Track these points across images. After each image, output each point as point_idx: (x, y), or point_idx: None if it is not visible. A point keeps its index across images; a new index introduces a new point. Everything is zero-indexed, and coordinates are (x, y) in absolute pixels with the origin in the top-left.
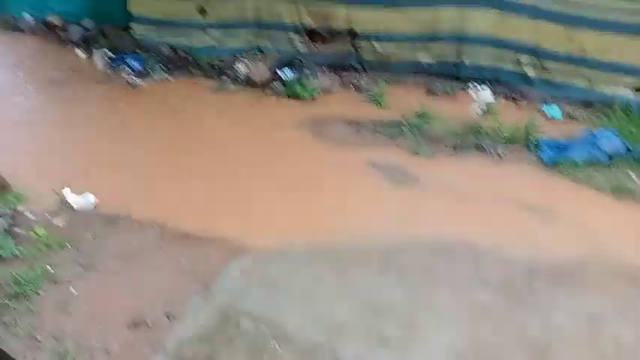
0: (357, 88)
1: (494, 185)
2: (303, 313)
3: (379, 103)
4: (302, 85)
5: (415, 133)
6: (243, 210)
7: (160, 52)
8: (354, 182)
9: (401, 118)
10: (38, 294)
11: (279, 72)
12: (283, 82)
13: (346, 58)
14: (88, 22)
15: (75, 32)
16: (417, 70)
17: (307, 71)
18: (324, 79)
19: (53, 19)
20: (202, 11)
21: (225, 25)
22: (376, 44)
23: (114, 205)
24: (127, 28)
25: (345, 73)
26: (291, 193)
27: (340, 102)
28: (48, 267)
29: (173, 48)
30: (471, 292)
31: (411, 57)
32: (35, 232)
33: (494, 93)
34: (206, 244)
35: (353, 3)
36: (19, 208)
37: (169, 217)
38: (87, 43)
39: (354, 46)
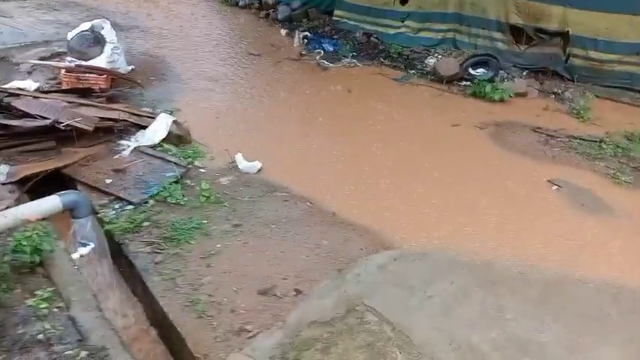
0: (559, 98)
1: None
2: (436, 328)
3: (581, 117)
4: (493, 85)
5: (619, 155)
6: (400, 207)
7: (354, 38)
8: (530, 199)
9: (604, 136)
10: (189, 243)
11: (470, 69)
12: (472, 80)
13: (552, 63)
14: (296, 3)
15: (282, 11)
16: (637, 85)
17: (503, 72)
18: (520, 83)
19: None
20: (404, 0)
21: (423, 16)
22: (592, 51)
23: (277, 176)
24: (329, 12)
25: (547, 80)
26: (455, 198)
27: (533, 109)
28: (204, 220)
29: (367, 34)
30: None
31: (632, 70)
32: (200, 186)
33: None
34: (352, 232)
35: (573, 3)
36: (196, 162)
37: (324, 198)
38: (291, 23)
39: (564, 50)
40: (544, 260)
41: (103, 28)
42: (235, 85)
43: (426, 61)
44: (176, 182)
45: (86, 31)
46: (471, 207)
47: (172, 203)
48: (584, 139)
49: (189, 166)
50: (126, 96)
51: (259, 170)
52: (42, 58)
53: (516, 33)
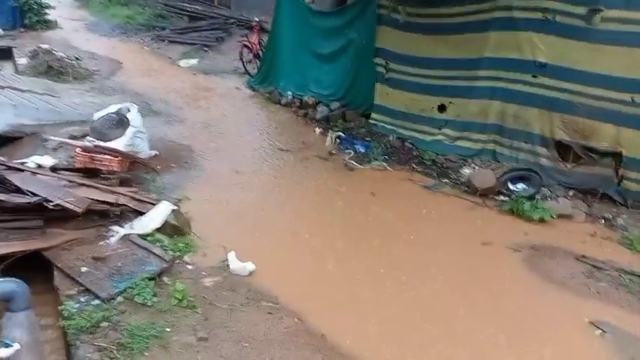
0: (609, 224)
1: None
2: None
3: (635, 248)
4: (533, 203)
5: None
6: (408, 340)
7: (387, 141)
8: (567, 344)
9: None
10: (143, 354)
11: (509, 184)
12: (510, 196)
13: (603, 184)
14: (334, 104)
15: (321, 111)
16: None
17: (546, 190)
18: (565, 203)
19: (308, 99)
20: (442, 108)
21: (462, 125)
22: None
23: (269, 282)
24: (366, 115)
25: (596, 203)
26: (473, 335)
27: (579, 234)
28: (167, 328)
29: (401, 139)
30: None
31: None
32: (175, 287)
33: None
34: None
35: (627, 122)
36: (185, 257)
37: (316, 315)
38: (327, 122)
39: (616, 172)
40: None
41: (129, 112)
42: (255, 179)
43: (461, 171)
44: (151, 279)
45: (112, 113)
46: (492, 345)
47: (139, 303)
48: (637, 276)
49: (175, 261)
50: (140, 180)
51: (251, 273)
52: (72, 137)
53: (563, 149)
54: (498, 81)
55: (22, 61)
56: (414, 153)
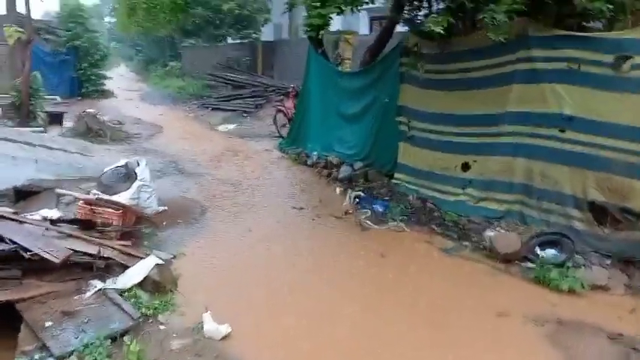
0: None
1: None
2: None
3: None
4: (562, 271)
5: None
6: None
7: (407, 201)
8: None
9: None
10: None
11: (538, 249)
12: (535, 262)
13: None
14: (358, 164)
15: (343, 171)
16: None
17: (578, 257)
18: (600, 273)
19: (332, 159)
20: (466, 167)
21: (486, 184)
22: None
23: (243, 350)
24: (389, 175)
25: (637, 273)
26: None
27: (615, 309)
28: None
29: (423, 199)
30: None
31: None
32: (130, 348)
33: None
34: None
35: None
36: (160, 317)
37: None
38: (350, 182)
39: None
40: None
41: (138, 166)
42: (259, 237)
43: (484, 234)
44: (113, 338)
45: (121, 166)
46: None
47: None
48: None
49: (148, 320)
50: (140, 234)
51: (225, 337)
52: (87, 193)
53: (598, 212)
54: (522, 137)
55: (68, 124)
56: (436, 214)
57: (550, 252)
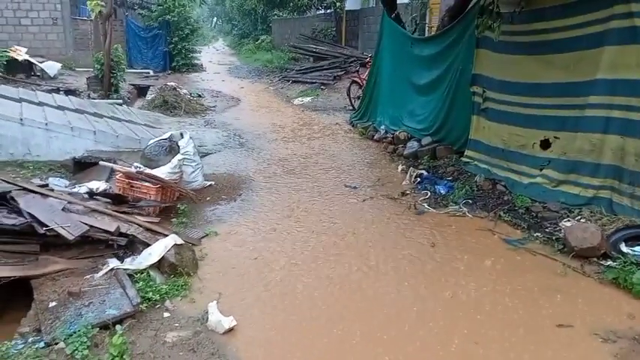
0: None
1: None
2: None
3: None
4: None
5: None
6: None
7: (474, 182)
8: None
9: None
10: None
11: (623, 244)
12: (617, 261)
13: None
14: (426, 140)
15: (410, 147)
16: None
17: None
18: None
19: (400, 134)
20: (546, 144)
21: (568, 165)
22: None
23: (245, 347)
24: (460, 152)
25: None
26: None
27: None
28: None
29: (492, 180)
30: None
31: None
32: (112, 340)
33: None
34: None
35: None
36: (167, 303)
37: None
38: (415, 159)
39: None
40: None
41: (181, 138)
42: (300, 219)
43: (560, 224)
44: (103, 326)
45: (164, 139)
46: None
47: (67, 355)
48: None
49: (155, 306)
50: (178, 211)
51: (227, 331)
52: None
53: None
54: (615, 109)
55: (150, 97)
56: (505, 198)
57: (639, 249)
